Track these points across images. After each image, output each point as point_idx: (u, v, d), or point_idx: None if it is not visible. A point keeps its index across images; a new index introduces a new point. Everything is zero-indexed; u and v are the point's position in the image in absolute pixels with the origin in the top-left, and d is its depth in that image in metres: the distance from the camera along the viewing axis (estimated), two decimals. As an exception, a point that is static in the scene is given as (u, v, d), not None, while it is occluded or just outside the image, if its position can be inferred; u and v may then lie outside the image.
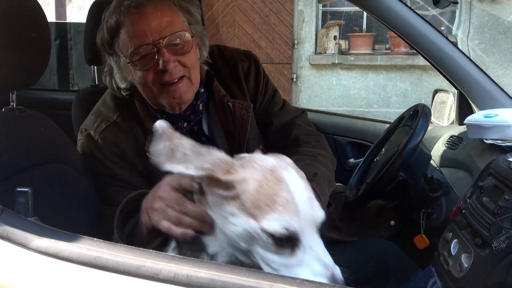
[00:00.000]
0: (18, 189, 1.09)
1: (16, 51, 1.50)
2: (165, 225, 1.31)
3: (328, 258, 1.13)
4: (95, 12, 2.45)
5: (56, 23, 7.69)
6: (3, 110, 1.66)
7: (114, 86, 1.89)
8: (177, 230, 1.28)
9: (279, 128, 2.06)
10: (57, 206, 1.62)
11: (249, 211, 1.12)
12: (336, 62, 9.40)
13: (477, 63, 2.73)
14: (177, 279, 0.89)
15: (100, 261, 0.95)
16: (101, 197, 1.85)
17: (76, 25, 7.45)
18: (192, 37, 1.78)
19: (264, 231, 1.10)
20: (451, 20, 9.29)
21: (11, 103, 1.66)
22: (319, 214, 1.18)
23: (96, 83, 2.56)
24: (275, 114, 2.08)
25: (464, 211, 1.86)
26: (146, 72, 1.73)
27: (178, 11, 1.76)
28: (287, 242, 1.12)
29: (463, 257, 1.71)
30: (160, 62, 1.69)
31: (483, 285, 1.56)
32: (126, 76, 1.83)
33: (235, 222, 1.14)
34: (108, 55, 1.86)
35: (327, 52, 9.47)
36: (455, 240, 1.83)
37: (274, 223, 1.10)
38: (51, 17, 8.19)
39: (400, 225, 2.39)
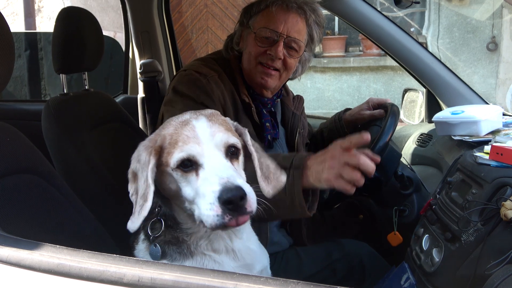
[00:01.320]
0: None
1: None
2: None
3: (227, 172, 1.28)
4: (63, 20, 2.42)
5: (26, 33, 7.56)
6: (-32, 120, 1.63)
7: (228, 45, 2.27)
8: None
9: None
10: (25, 217, 1.59)
11: (165, 161, 1.33)
12: (310, 65, 9.43)
13: (446, 63, 2.79)
14: (142, 283, 0.89)
15: (63, 268, 0.94)
16: None
17: (47, 35, 7.34)
18: (304, 52, 2.19)
19: (171, 167, 1.31)
20: (421, 21, 9.43)
21: (-25, 114, 1.63)
22: (220, 139, 1.36)
23: (66, 91, 2.52)
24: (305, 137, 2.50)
25: (434, 206, 1.89)
26: (259, 48, 2.09)
27: (306, 31, 2.15)
28: (191, 167, 1.31)
29: (434, 252, 1.74)
30: (273, 48, 2.07)
31: (454, 278, 1.59)
32: (241, 43, 2.21)
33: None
34: (241, 24, 2.23)
35: (300, 55, 9.50)
36: (426, 235, 1.86)
37: (176, 155, 1.31)
38: (20, 27, 8.06)
39: (370, 219, 2.42)
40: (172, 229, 1.45)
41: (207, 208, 1.23)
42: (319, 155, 1.72)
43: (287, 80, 2.33)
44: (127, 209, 2.22)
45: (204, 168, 1.30)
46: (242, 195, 1.22)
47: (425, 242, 1.85)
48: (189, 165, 1.31)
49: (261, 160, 1.49)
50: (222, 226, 1.24)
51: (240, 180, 1.27)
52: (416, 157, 2.71)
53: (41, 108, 2.44)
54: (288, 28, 2.08)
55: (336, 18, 9.72)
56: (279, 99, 2.35)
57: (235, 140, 1.39)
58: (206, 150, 1.31)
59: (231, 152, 1.37)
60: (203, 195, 1.26)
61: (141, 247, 1.49)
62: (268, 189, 1.46)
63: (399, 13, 8.89)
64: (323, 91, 9.58)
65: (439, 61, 2.76)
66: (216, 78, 2.08)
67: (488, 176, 1.64)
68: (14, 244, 0.99)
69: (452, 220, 1.70)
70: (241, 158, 1.43)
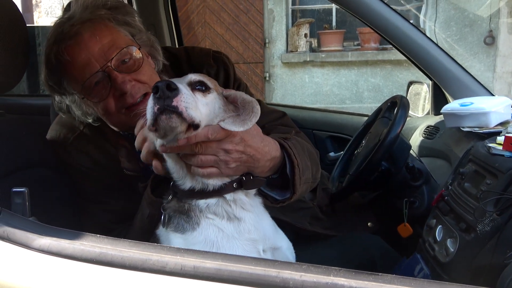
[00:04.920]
0: (14, 189, 1.07)
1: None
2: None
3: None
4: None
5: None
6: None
7: (82, 120, 1.79)
8: None
9: None
10: (40, 210, 1.60)
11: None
12: (308, 59, 9.47)
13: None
14: (184, 271, 0.89)
15: (105, 257, 0.94)
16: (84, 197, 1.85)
17: (45, 30, 7.31)
18: (139, 49, 1.70)
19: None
20: (418, 15, 9.45)
21: (-11, 108, 1.64)
22: (189, 77, 1.37)
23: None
24: None
25: (446, 197, 1.90)
26: (106, 101, 1.63)
27: (116, 27, 1.68)
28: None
29: (449, 242, 1.75)
30: (116, 86, 1.61)
31: (470, 268, 1.60)
32: (87, 110, 1.74)
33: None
34: (60, 94, 1.75)
35: (298, 50, 9.53)
36: (440, 226, 1.87)
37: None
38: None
39: (377, 227, 2.41)
40: (177, 198, 1.43)
41: None
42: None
43: None
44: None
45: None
46: (172, 87, 1.17)
47: (438, 233, 1.86)
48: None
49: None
50: (153, 121, 1.19)
51: (182, 88, 1.23)
52: (424, 149, 2.72)
53: (44, 103, 2.44)
54: (99, 53, 1.60)
55: (334, 12, 9.73)
56: None
57: (201, 78, 1.35)
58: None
59: (196, 87, 1.32)
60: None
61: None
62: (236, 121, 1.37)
63: (398, 7, 8.89)
64: (321, 85, 9.58)
65: (446, 53, 2.76)
66: (78, 142, 1.79)
67: (502, 166, 1.65)
68: (55, 234, 1.00)
69: (467, 211, 1.70)
70: (210, 95, 1.35)
